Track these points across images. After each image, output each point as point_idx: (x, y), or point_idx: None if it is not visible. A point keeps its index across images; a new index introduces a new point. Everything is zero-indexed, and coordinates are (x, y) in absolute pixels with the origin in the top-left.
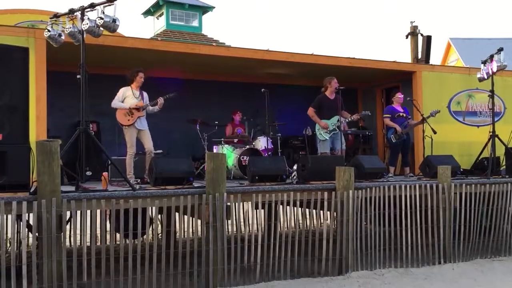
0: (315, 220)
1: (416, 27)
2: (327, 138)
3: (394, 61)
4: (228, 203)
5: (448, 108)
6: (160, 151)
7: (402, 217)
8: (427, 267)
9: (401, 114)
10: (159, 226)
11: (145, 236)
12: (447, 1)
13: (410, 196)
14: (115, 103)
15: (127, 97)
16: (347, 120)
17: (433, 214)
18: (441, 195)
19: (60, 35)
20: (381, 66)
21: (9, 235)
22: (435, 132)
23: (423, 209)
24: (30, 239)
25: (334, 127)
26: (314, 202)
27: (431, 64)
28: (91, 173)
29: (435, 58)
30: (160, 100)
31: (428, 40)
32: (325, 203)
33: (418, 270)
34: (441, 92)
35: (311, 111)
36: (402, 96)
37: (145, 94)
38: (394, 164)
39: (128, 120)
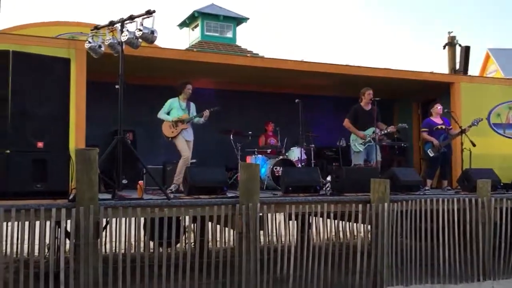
0: (349, 233)
1: (454, 37)
2: (362, 150)
3: (431, 72)
4: (261, 214)
5: (488, 120)
6: (194, 160)
7: (440, 231)
8: (465, 284)
9: (439, 126)
10: (192, 235)
11: (178, 245)
12: (485, 11)
13: (448, 210)
14: (161, 114)
15: (173, 108)
16: (382, 132)
17: (472, 229)
18: (480, 210)
19: (100, 46)
20: (418, 77)
21: (47, 241)
22: (474, 145)
23: (462, 224)
24: (67, 245)
25: (369, 138)
26: (348, 214)
27: (470, 75)
28: (126, 182)
29: (473, 69)
30: (206, 113)
31: (466, 50)
32: (360, 216)
33: (456, 287)
34: (481, 104)
35: (347, 123)
36: (441, 107)
37: (192, 106)
38: (431, 177)
39: (172, 132)
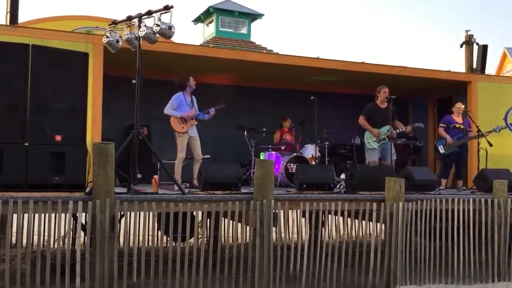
0: (362, 231)
1: (471, 36)
2: (376, 148)
3: (448, 71)
4: (275, 210)
5: (505, 120)
6: (208, 156)
7: (454, 232)
8: (479, 285)
9: (457, 125)
10: (207, 230)
11: (192, 240)
12: (502, 10)
13: (463, 210)
14: (168, 110)
15: (180, 104)
16: (398, 131)
17: (487, 230)
18: (496, 211)
19: (118, 41)
20: (435, 76)
21: (63, 233)
22: (491, 145)
23: (477, 224)
24: (83, 238)
25: (384, 136)
26: (362, 213)
27: (487, 74)
28: (141, 176)
29: (490, 67)
30: (212, 111)
31: (484, 49)
32: (374, 214)
33: None
34: (498, 103)
35: (362, 120)
36: (462, 106)
37: (193, 99)
38: (446, 177)
39: (183, 127)
